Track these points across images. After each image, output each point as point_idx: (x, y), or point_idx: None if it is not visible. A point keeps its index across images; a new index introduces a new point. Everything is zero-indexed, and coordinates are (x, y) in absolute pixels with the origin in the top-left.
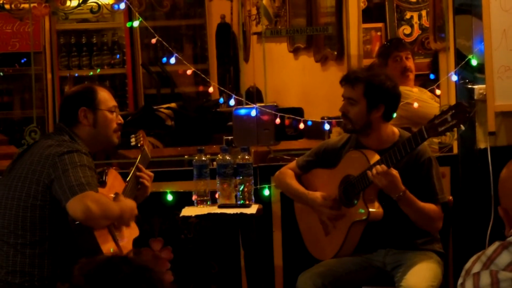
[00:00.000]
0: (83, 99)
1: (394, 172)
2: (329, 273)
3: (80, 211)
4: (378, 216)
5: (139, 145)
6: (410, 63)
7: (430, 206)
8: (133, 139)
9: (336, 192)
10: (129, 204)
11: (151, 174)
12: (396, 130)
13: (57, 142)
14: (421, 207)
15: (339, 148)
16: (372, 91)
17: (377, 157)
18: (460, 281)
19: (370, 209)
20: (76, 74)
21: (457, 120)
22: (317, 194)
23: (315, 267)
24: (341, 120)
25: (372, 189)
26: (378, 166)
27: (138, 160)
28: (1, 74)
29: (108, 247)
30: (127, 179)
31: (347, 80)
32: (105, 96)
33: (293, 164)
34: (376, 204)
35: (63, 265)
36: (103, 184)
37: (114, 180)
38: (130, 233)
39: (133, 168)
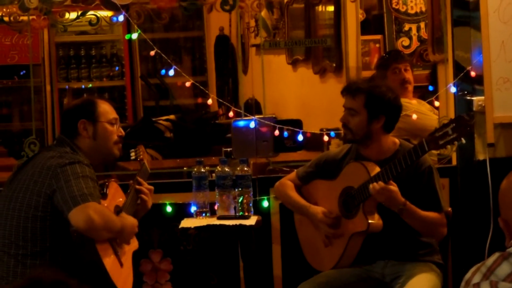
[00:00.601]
0: (82, 111)
1: (392, 187)
2: (328, 284)
3: (82, 221)
4: (377, 228)
5: (138, 159)
6: (409, 75)
7: (432, 215)
8: (132, 154)
9: (336, 204)
10: (130, 221)
11: (151, 187)
12: (396, 140)
13: (59, 153)
14: (423, 216)
15: (339, 159)
16: (373, 102)
17: (377, 169)
18: None
19: (370, 221)
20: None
21: (457, 134)
22: (318, 210)
23: (314, 278)
24: (341, 130)
25: (372, 200)
26: (375, 184)
27: (137, 174)
28: None
29: (110, 261)
30: (128, 192)
31: (348, 91)
32: (105, 108)
33: (293, 175)
34: (376, 216)
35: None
36: (104, 196)
37: (115, 193)
38: (130, 247)
39: (133, 182)
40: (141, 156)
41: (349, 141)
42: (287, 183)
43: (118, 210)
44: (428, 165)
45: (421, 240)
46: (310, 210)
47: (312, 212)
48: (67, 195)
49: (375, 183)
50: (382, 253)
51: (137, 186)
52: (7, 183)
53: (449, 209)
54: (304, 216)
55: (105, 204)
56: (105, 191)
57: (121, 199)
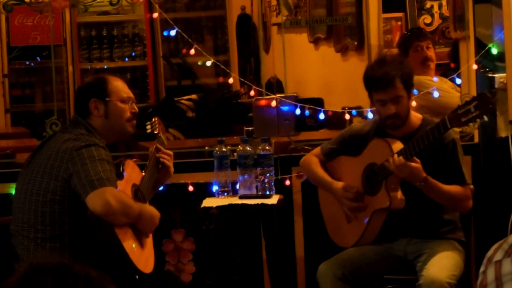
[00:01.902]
0: (93, 90)
1: (413, 163)
2: (349, 263)
3: (100, 206)
4: (400, 205)
5: (155, 132)
6: (431, 53)
7: (455, 188)
8: (148, 126)
9: (360, 180)
10: (150, 210)
11: (171, 152)
12: (419, 115)
13: (74, 136)
14: (446, 190)
15: (364, 134)
16: (408, 80)
17: (400, 146)
18: (482, 269)
19: (392, 197)
20: (104, 66)
21: (480, 111)
22: (339, 185)
23: (335, 257)
24: (363, 109)
25: (395, 177)
26: (396, 158)
27: (155, 147)
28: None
29: (130, 243)
30: (145, 166)
31: (385, 84)
32: (117, 86)
33: (317, 150)
34: (399, 192)
35: (84, 259)
36: (120, 176)
37: (131, 172)
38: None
39: (151, 155)
40: (157, 129)
41: (398, 127)
42: (312, 159)
43: (136, 189)
44: (452, 139)
45: (444, 217)
46: (333, 186)
47: (335, 188)
48: (84, 179)
49: (395, 157)
50: (404, 231)
51: (157, 154)
52: (25, 166)
53: (472, 186)
54: (327, 192)
55: (122, 184)
56: (121, 171)
57: (138, 177)
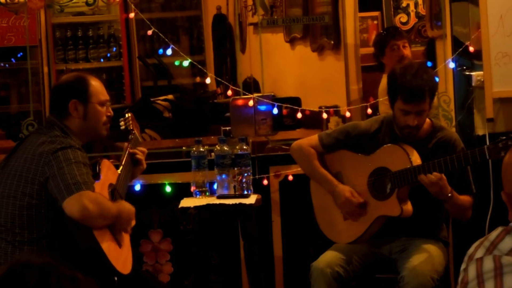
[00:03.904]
0: (74, 90)
1: (444, 177)
2: (343, 261)
3: (77, 211)
4: (408, 215)
5: (129, 128)
6: (407, 52)
7: (467, 198)
8: (122, 123)
9: (365, 182)
10: (127, 207)
11: (144, 149)
12: (428, 120)
13: (50, 138)
14: (461, 202)
15: (371, 134)
16: (434, 94)
17: (416, 154)
18: (463, 266)
19: (404, 209)
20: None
21: None
22: (346, 189)
23: (328, 255)
24: (339, 108)
25: (407, 188)
26: (432, 176)
27: (130, 144)
28: None
29: (108, 244)
30: (120, 163)
31: (416, 97)
32: (97, 88)
33: (315, 141)
34: (409, 203)
35: (62, 262)
36: (97, 176)
37: (107, 171)
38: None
39: (125, 151)
40: (131, 126)
41: (413, 136)
42: (311, 152)
43: (112, 189)
44: (462, 147)
45: (433, 217)
46: (338, 188)
47: (339, 190)
48: (61, 183)
49: (432, 175)
50: (395, 231)
51: (131, 150)
52: (1, 167)
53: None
54: (326, 190)
55: (99, 185)
56: (97, 170)
57: (114, 177)
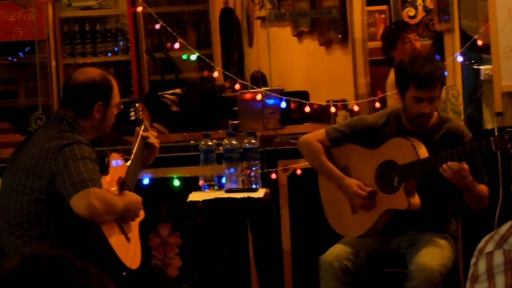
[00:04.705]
0: (100, 92)
1: (466, 166)
2: (351, 255)
3: (84, 208)
4: (416, 208)
5: (139, 118)
6: (418, 45)
7: (484, 188)
8: (132, 113)
9: (373, 175)
10: (134, 198)
11: (155, 133)
12: (435, 112)
13: (57, 133)
14: (480, 192)
15: (378, 127)
16: (444, 80)
17: (423, 147)
18: (473, 260)
19: (411, 202)
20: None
21: None
22: (353, 182)
23: (336, 249)
24: (347, 102)
25: (414, 181)
26: (453, 164)
27: (141, 130)
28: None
29: (116, 239)
30: (133, 149)
31: (430, 82)
32: (116, 90)
33: (322, 135)
34: (416, 195)
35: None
36: (105, 170)
37: (116, 164)
38: (136, 219)
39: (137, 137)
40: (141, 116)
41: (425, 126)
42: (317, 146)
43: (121, 182)
44: (470, 137)
45: (444, 211)
46: (345, 181)
47: (347, 184)
48: (67, 180)
49: (451, 164)
50: (404, 225)
51: (143, 133)
52: (9, 162)
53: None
54: (334, 184)
55: (108, 178)
56: (106, 164)
57: (123, 169)
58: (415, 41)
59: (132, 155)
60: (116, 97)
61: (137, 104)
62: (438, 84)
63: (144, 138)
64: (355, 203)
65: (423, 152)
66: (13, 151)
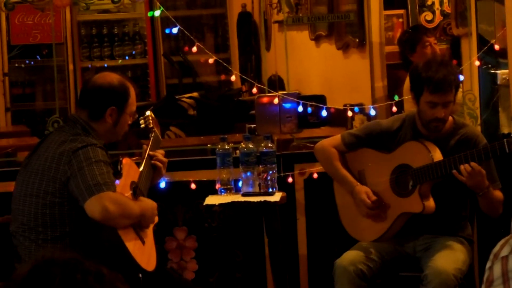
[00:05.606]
0: (116, 97)
1: (483, 170)
2: (367, 259)
3: (98, 212)
4: (431, 211)
5: (149, 126)
6: (437, 49)
7: (499, 194)
8: (142, 121)
9: (388, 179)
10: (150, 204)
11: (162, 151)
12: (450, 117)
13: (71, 136)
14: (496, 197)
15: (393, 131)
16: (459, 85)
17: (438, 150)
18: (488, 264)
19: (426, 205)
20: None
21: None
22: (362, 190)
23: (351, 253)
24: (364, 106)
25: (429, 184)
26: (469, 165)
27: (150, 144)
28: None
29: (132, 242)
30: (142, 162)
31: (444, 87)
32: (133, 99)
33: (337, 141)
34: (431, 199)
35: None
36: (118, 174)
37: (129, 169)
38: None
39: (145, 153)
40: (151, 124)
41: (440, 131)
42: (332, 152)
43: (134, 186)
44: (485, 142)
45: (459, 215)
46: (355, 189)
47: (356, 191)
48: (81, 184)
49: (467, 165)
50: (419, 228)
51: (151, 152)
52: (23, 166)
53: None
54: (346, 191)
55: (121, 183)
56: (119, 169)
57: (136, 174)
58: (434, 44)
59: (144, 161)
60: (131, 106)
61: (147, 112)
62: (452, 88)
63: (151, 158)
64: (360, 211)
65: (438, 155)
66: (26, 155)
